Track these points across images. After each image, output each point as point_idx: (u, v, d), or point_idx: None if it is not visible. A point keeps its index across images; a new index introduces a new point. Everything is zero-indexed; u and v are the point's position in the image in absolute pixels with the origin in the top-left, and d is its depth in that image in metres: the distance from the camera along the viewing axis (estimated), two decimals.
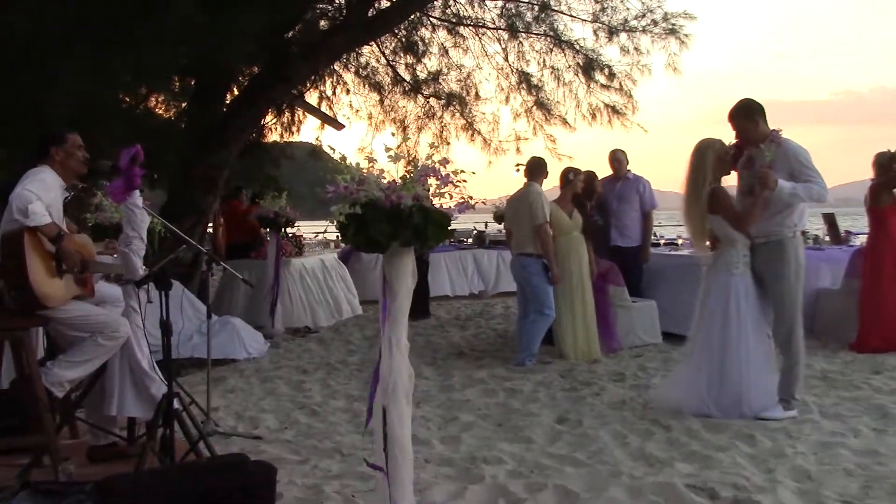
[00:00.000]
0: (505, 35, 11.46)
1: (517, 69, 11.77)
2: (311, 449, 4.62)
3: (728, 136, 5.28)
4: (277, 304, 8.82)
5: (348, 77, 12.24)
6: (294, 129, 12.77)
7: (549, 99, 11.74)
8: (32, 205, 3.78)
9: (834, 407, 5.33)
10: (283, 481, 3.83)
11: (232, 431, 5.04)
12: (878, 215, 7.40)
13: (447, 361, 7.31)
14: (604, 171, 8.54)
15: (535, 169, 7.38)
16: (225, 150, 9.00)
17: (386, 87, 12.18)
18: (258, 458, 3.56)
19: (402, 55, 11.85)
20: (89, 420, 4.49)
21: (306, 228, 15.35)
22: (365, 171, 3.00)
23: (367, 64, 11.99)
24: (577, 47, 11.22)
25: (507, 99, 12.13)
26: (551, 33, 11.16)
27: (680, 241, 10.08)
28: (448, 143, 12.32)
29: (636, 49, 10.92)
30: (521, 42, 11.49)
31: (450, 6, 11.24)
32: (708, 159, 5.15)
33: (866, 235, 8.19)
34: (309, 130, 25.81)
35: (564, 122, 11.78)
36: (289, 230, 9.63)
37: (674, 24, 10.64)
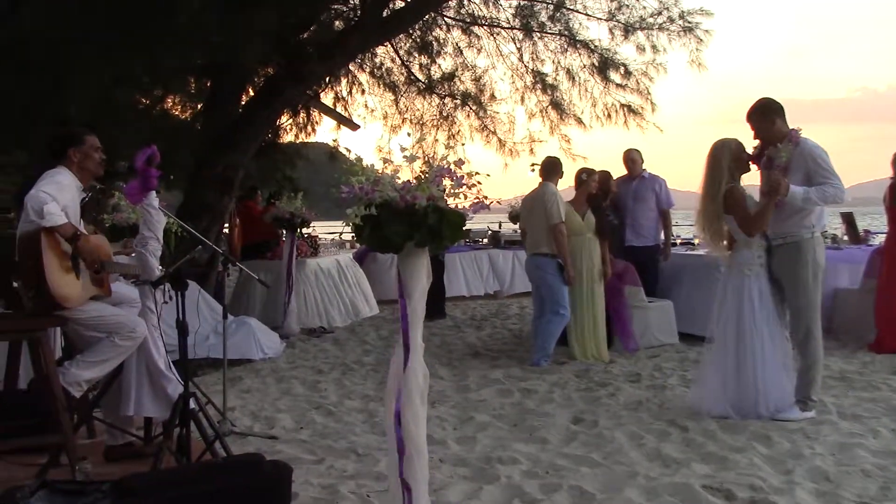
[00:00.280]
0: (520, 35, 11.44)
1: (532, 69, 11.75)
2: (327, 449, 4.63)
3: (747, 135, 5.25)
4: (292, 303, 8.83)
5: (363, 77, 12.27)
6: (310, 129, 12.82)
7: (564, 99, 11.71)
8: (48, 206, 3.81)
9: (852, 408, 5.29)
10: (298, 481, 3.84)
11: (248, 431, 5.05)
12: None
13: (463, 362, 7.31)
14: (618, 171, 8.51)
15: (551, 169, 7.37)
16: (240, 150, 9.03)
17: (401, 88, 12.19)
18: (274, 458, 3.56)
19: (416, 55, 11.85)
20: (106, 420, 4.52)
21: (322, 229, 15.38)
22: (379, 171, 3.00)
23: (382, 64, 12.01)
24: (593, 47, 11.18)
25: (522, 99, 12.12)
26: (566, 33, 11.13)
27: (697, 241, 10.03)
28: (463, 144, 12.33)
29: (653, 47, 10.87)
30: (535, 42, 11.46)
31: (464, 6, 11.23)
32: (724, 160, 5.13)
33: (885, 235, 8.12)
34: (325, 131, 25.92)
35: (579, 121, 11.75)
36: (304, 231, 9.65)
37: (690, 22, 10.58)
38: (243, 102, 9.97)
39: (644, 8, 10.73)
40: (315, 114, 12.72)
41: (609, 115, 11.56)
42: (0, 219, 6.68)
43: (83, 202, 4.34)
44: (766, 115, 5.12)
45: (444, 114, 12.31)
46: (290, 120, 12.33)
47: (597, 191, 7.44)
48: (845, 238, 9.34)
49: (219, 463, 3.63)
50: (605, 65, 11.21)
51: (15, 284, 4.27)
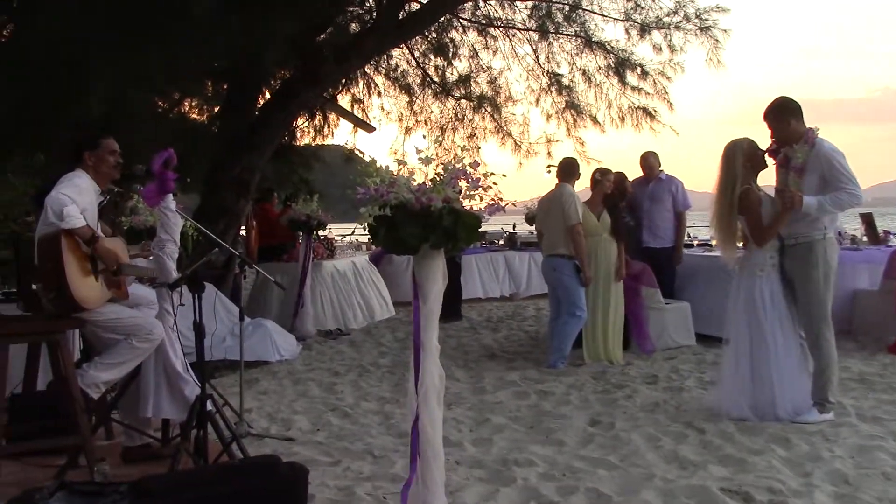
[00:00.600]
0: (535, 36, 11.42)
1: (548, 70, 11.73)
2: (343, 450, 4.63)
3: (765, 135, 5.23)
4: (307, 306, 8.85)
5: (379, 79, 12.29)
6: (326, 132, 12.85)
7: (579, 100, 11.68)
8: (67, 208, 3.84)
9: (872, 410, 5.24)
10: (315, 483, 3.85)
11: (264, 433, 5.07)
12: None
13: (479, 363, 7.30)
14: (633, 172, 8.49)
15: (568, 170, 7.35)
16: (257, 153, 9.07)
17: (416, 90, 12.20)
18: (290, 460, 3.57)
19: (432, 57, 11.86)
20: (124, 421, 4.55)
21: (338, 231, 15.41)
22: (395, 173, 3.01)
23: (398, 66, 12.02)
24: (609, 48, 11.15)
25: (538, 101, 12.10)
26: (582, 34, 11.10)
27: (714, 242, 9.97)
28: (479, 148, 12.32)
29: (670, 47, 10.82)
30: (551, 43, 11.44)
31: (480, 8, 11.22)
32: (737, 161, 5.11)
33: None
34: (341, 134, 26.01)
35: (594, 120, 11.71)
36: (320, 233, 9.67)
37: (706, 20, 10.52)
38: (260, 105, 10.00)
39: (661, 8, 10.69)
40: (331, 116, 12.75)
41: (623, 118, 11.53)
42: (20, 222, 6.74)
43: (101, 205, 4.37)
44: (781, 114, 5.08)
45: (460, 116, 12.31)
46: (307, 122, 12.37)
47: (612, 191, 7.41)
48: (864, 239, 9.26)
49: (236, 464, 3.64)
50: (621, 65, 11.17)
51: (34, 286, 4.32)
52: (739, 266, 5.25)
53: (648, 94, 11.28)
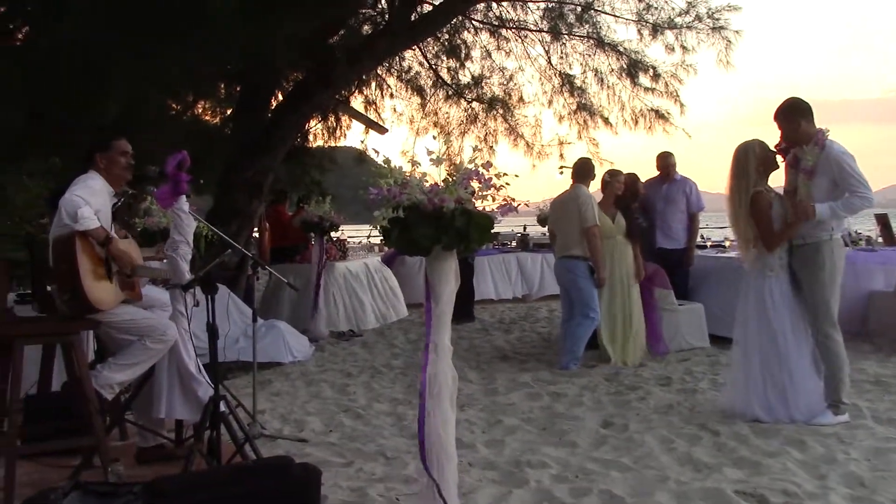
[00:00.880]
0: (547, 37, 11.41)
1: (560, 72, 11.71)
2: (356, 452, 4.64)
3: (775, 135, 5.21)
4: (320, 307, 8.87)
5: (391, 81, 12.30)
6: (339, 133, 12.87)
7: (591, 101, 11.66)
8: (81, 209, 3.86)
9: (888, 412, 5.20)
10: (327, 484, 3.85)
11: (277, 434, 5.08)
12: None
13: (491, 365, 7.29)
14: (646, 173, 8.46)
15: (582, 171, 7.32)
16: (270, 155, 9.09)
17: (428, 91, 12.21)
18: (303, 461, 3.58)
19: (444, 59, 11.86)
20: (138, 422, 4.57)
21: (351, 232, 15.44)
22: (407, 174, 3.00)
23: (410, 68, 12.04)
24: (622, 49, 11.12)
25: (550, 102, 12.08)
26: (594, 35, 11.08)
27: (728, 244, 9.94)
28: (491, 148, 12.32)
29: (682, 47, 10.78)
30: (563, 44, 11.43)
31: (492, 9, 11.22)
32: (749, 165, 5.11)
33: None
34: (353, 135, 26.04)
35: (606, 121, 11.68)
36: (333, 234, 9.69)
37: (718, 19, 10.49)
38: (272, 107, 10.03)
39: (672, 8, 10.66)
40: (344, 118, 12.78)
41: (636, 120, 11.50)
42: (35, 224, 6.78)
43: (115, 207, 4.39)
44: (792, 115, 5.06)
45: (472, 117, 12.31)
46: (319, 124, 12.40)
47: (624, 193, 7.39)
48: (880, 240, 9.22)
49: (249, 465, 3.65)
50: (633, 67, 11.14)
51: (49, 288, 4.34)
52: (749, 266, 5.24)
53: (661, 93, 11.25)
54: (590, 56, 11.37)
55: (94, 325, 4.15)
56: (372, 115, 12.67)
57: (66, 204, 3.89)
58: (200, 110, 11.19)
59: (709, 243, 10.69)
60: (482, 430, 5.10)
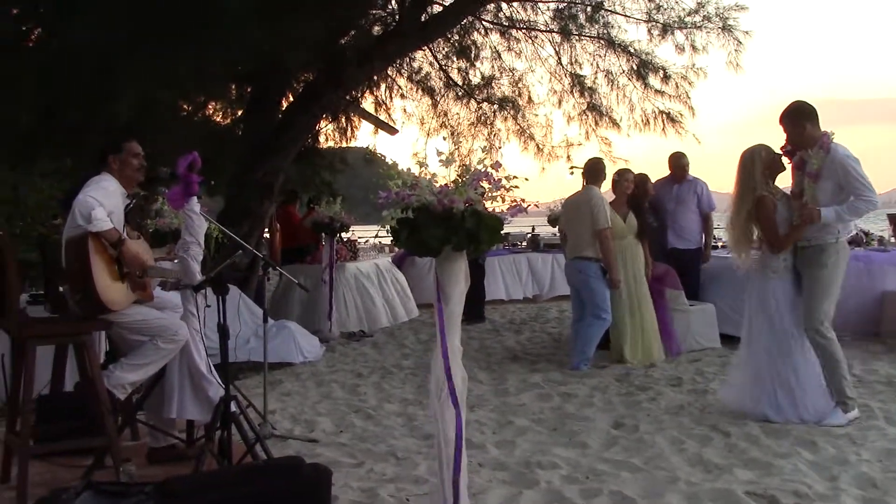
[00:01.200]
0: (557, 38, 11.39)
1: (570, 72, 11.68)
2: (366, 452, 4.64)
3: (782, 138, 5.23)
4: (332, 307, 8.88)
5: (401, 81, 12.30)
6: (349, 134, 12.88)
7: (602, 102, 11.63)
8: (95, 210, 3.89)
9: None
10: (338, 484, 3.86)
11: (288, 434, 5.09)
12: None
13: (501, 365, 7.29)
14: (656, 173, 8.43)
15: (594, 171, 7.30)
16: (280, 156, 9.11)
17: (438, 92, 12.21)
18: (314, 461, 3.59)
19: (454, 59, 11.86)
20: (149, 422, 4.58)
21: (361, 233, 15.46)
22: (417, 175, 3.01)
23: (420, 68, 12.03)
24: (632, 50, 11.09)
25: (560, 102, 12.05)
26: (605, 35, 11.05)
27: (723, 244, 9.91)
28: (500, 149, 12.31)
29: (692, 47, 10.75)
30: (573, 45, 11.40)
31: (502, 10, 11.21)
32: (756, 169, 5.13)
33: None
34: (364, 136, 26.07)
35: (615, 123, 11.66)
36: (344, 235, 9.70)
37: (727, 18, 10.46)
38: (283, 108, 10.06)
39: (683, 8, 10.63)
40: (354, 119, 12.79)
41: (647, 122, 11.47)
42: (47, 224, 6.82)
43: (127, 208, 4.41)
44: (797, 119, 5.09)
45: (482, 118, 12.30)
46: (330, 125, 12.41)
47: (634, 191, 7.38)
48: (892, 240, 9.15)
49: (259, 466, 3.66)
50: (643, 67, 11.11)
51: (61, 289, 4.37)
52: (754, 268, 5.25)
53: (671, 96, 11.21)
54: (600, 57, 11.34)
55: (106, 326, 4.17)
56: (382, 116, 12.67)
57: (80, 205, 3.92)
58: (211, 111, 11.23)
59: (720, 244, 10.65)
60: (492, 430, 5.10)
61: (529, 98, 12.24)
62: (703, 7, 10.50)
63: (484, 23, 11.41)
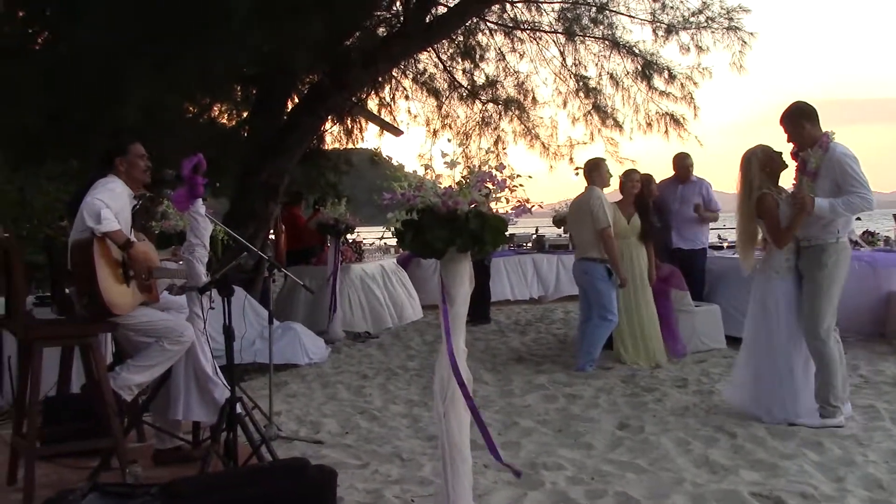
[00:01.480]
0: (562, 39, 11.38)
1: (575, 73, 11.67)
2: (372, 453, 4.65)
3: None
4: (337, 309, 8.89)
5: (406, 83, 12.30)
6: (354, 136, 12.89)
7: (606, 103, 11.62)
8: (103, 212, 3.90)
9: None
10: (343, 485, 3.86)
11: (294, 436, 5.10)
12: None
13: (507, 366, 7.29)
14: (660, 174, 8.43)
15: (593, 170, 7.27)
16: (285, 157, 9.12)
17: (443, 93, 12.21)
18: (319, 463, 3.60)
19: (459, 60, 11.86)
20: (155, 424, 4.59)
21: (366, 234, 15.47)
22: (422, 177, 3.02)
23: (425, 70, 12.03)
24: (636, 51, 11.08)
25: (565, 103, 12.04)
26: (609, 36, 11.04)
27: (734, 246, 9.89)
28: (505, 149, 12.31)
29: (697, 47, 10.73)
30: (577, 48, 11.39)
31: (507, 11, 11.21)
32: (753, 170, 5.19)
33: None
34: (369, 137, 26.04)
35: (617, 124, 11.64)
36: (349, 236, 9.71)
37: (732, 18, 10.44)
38: (288, 109, 10.07)
39: (687, 9, 10.62)
40: (360, 120, 12.79)
41: (650, 124, 11.45)
42: (54, 226, 6.84)
43: (134, 210, 4.43)
44: (795, 120, 5.13)
45: (487, 119, 12.30)
46: (335, 126, 12.42)
47: (640, 191, 7.37)
48: None
49: (265, 467, 3.67)
50: (648, 68, 11.09)
51: (67, 290, 4.38)
52: (758, 268, 5.26)
53: (675, 97, 11.19)
54: (605, 57, 11.33)
55: (112, 328, 4.19)
56: (387, 117, 12.67)
57: (87, 207, 3.93)
58: (216, 113, 11.24)
59: (725, 244, 10.64)
60: (498, 431, 5.10)
61: (534, 99, 12.24)
62: (707, 7, 10.48)
63: (488, 24, 11.41)
